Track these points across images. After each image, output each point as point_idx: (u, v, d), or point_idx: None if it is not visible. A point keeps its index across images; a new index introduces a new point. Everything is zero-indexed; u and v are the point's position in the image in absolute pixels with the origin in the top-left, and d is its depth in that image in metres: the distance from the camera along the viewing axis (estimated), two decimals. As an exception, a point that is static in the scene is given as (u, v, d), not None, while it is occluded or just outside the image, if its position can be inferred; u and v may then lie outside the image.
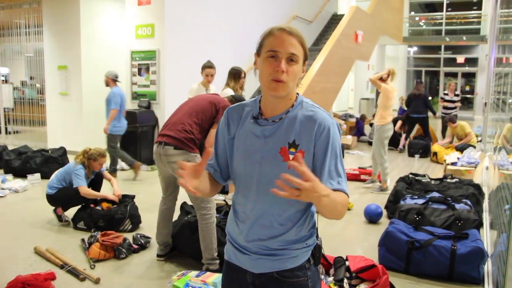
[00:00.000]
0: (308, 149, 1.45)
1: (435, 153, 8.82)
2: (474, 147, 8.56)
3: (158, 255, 3.82)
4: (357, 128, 11.86)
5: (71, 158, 5.68)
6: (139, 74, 8.24)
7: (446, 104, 11.30)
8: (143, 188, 6.34)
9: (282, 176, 1.21)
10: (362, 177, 6.93)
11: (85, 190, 4.56)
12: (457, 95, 11.48)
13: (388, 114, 6.21)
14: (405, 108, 12.34)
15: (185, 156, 3.40)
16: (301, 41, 1.47)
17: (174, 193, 3.77)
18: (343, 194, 1.44)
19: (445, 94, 11.63)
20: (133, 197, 4.83)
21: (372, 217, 4.95)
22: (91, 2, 8.81)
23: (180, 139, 3.41)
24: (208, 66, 5.58)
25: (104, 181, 4.98)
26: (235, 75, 5.57)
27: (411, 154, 9.39)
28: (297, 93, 1.55)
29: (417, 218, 4.14)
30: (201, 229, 3.47)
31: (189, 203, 4.08)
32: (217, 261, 3.48)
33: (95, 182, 4.87)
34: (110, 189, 4.89)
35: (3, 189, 5.99)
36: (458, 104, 11.55)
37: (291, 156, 1.45)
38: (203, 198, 3.43)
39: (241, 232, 1.53)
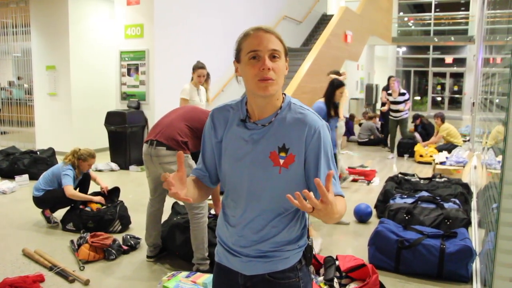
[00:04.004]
0: (299, 153, 1.44)
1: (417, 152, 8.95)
2: (457, 146, 8.63)
3: (148, 256, 3.80)
4: (347, 128, 11.90)
5: (60, 159, 5.63)
6: (129, 74, 8.19)
7: (391, 106, 9.25)
8: (133, 188, 6.31)
9: (304, 193, 1.13)
10: (352, 176, 6.96)
11: (71, 191, 4.50)
12: (403, 94, 9.10)
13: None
14: None
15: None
16: (279, 37, 1.44)
17: (162, 194, 3.75)
18: (342, 199, 1.41)
19: (388, 94, 9.34)
20: (117, 190, 4.86)
21: (361, 217, 4.97)
22: (79, 1, 8.74)
23: (173, 139, 3.40)
24: (200, 67, 5.58)
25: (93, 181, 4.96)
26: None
27: (400, 154, 9.45)
28: (284, 93, 1.52)
29: (407, 218, 4.17)
30: (193, 229, 3.46)
31: (181, 203, 4.08)
32: (208, 261, 3.48)
33: (83, 182, 4.83)
34: (96, 187, 4.87)
35: (-10, 190, 5.93)
36: (402, 107, 9.08)
37: (281, 161, 1.43)
38: None
39: (232, 235, 1.52)
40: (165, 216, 3.97)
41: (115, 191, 4.91)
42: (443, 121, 9.45)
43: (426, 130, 10.50)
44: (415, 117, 11.05)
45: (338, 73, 6.87)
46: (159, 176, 3.53)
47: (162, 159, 3.40)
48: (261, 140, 1.46)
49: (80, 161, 4.62)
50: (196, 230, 3.46)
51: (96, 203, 4.64)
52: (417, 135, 10.32)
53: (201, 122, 3.53)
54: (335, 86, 4.65)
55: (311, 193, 1.14)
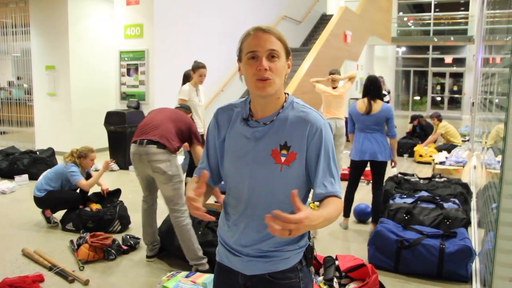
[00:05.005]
0: (300, 150, 1.44)
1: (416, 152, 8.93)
2: (456, 146, 8.63)
3: (147, 256, 3.80)
4: (346, 128, 11.88)
5: (59, 159, 5.63)
6: (128, 74, 8.19)
7: None
8: (132, 188, 6.30)
9: (274, 213, 1.16)
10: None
11: (85, 183, 4.53)
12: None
13: (326, 112, 6.80)
14: None
15: (166, 156, 3.42)
16: (279, 36, 1.44)
17: (154, 192, 3.78)
18: (336, 199, 1.43)
19: None
20: (118, 191, 4.87)
21: (361, 217, 4.97)
22: (79, 1, 8.74)
23: (165, 138, 3.44)
24: (203, 66, 5.55)
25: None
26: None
27: (399, 154, 9.45)
28: (287, 93, 1.53)
29: (406, 217, 4.16)
30: (178, 232, 3.49)
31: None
32: (205, 261, 3.48)
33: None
34: (96, 188, 4.87)
35: (-10, 190, 5.93)
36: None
37: (283, 158, 1.44)
38: (177, 200, 3.47)
39: (233, 235, 1.52)
40: (164, 215, 3.96)
41: (116, 192, 4.91)
42: (440, 120, 9.46)
43: (425, 131, 10.46)
44: (413, 118, 11.00)
45: (334, 73, 6.87)
46: (148, 174, 3.54)
47: (152, 157, 3.41)
48: (263, 138, 1.47)
49: (82, 158, 4.61)
50: (181, 233, 3.47)
51: (97, 203, 4.65)
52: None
53: (185, 123, 3.62)
54: (380, 82, 4.58)
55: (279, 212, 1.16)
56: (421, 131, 10.55)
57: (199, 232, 3.62)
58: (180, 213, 3.47)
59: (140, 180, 3.70)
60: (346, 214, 4.73)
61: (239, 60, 1.49)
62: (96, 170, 7.13)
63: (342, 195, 1.49)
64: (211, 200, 5.42)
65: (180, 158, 7.45)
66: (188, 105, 4.37)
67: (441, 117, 9.52)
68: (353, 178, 4.73)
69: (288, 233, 1.17)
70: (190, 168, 5.63)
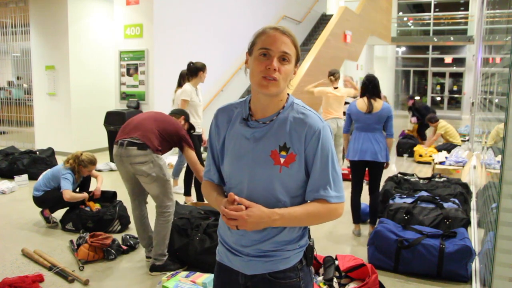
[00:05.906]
0: (299, 152, 1.45)
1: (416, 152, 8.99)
2: (456, 146, 8.64)
3: (147, 256, 3.80)
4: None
5: (59, 159, 5.63)
6: (128, 74, 8.19)
7: None
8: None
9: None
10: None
11: (69, 194, 4.45)
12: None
13: (326, 112, 6.79)
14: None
15: (148, 157, 3.34)
16: (294, 41, 1.46)
17: (141, 195, 3.69)
18: (323, 204, 1.45)
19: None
20: (114, 194, 4.85)
21: (361, 217, 4.96)
22: (79, 1, 8.74)
23: (146, 137, 3.37)
24: (205, 65, 5.54)
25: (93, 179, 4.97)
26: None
27: (399, 154, 9.45)
28: (288, 94, 1.54)
29: (406, 217, 4.16)
30: (159, 225, 3.50)
31: (181, 202, 4.07)
32: (165, 258, 3.52)
33: (83, 183, 4.84)
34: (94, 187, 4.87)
35: (-11, 190, 5.92)
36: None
37: (282, 160, 1.44)
38: (163, 198, 3.46)
39: (233, 235, 1.52)
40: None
41: (113, 195, 4.88)
42: (433, 122, 9.46)
43: (419, 112, 10.50)
44: (410, 97, 11.09)
45: (335, 74, 6.85)
46: (132, 176, 3.49)
47: (133, 159, 3.34)
48: (263, 138, 1.47)
49: (81, 166, 4.63)
50: (161, 226, 3.49)
51: (96, 202, 4.65)
52: (413, 119, 10.56)
53: (173, 126, 3.58)
54: (378, 81, 4.49)
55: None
56: (416, 112, 10.58)
57: (197, 238, 3.58)
58: (167, 209, 3.49)
59: (125, 183, 3.61)
60: (356, 220, 4.63)
61: (250, 53, 1.49)
62: (96, 170, 7.14)
63: (341, 200, 1.49)
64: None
65: (174, 157, 7.46)
66: (182, 109, 4.28)
67: (435, 118, 9.48)
68: (355, 181, 4.62)
69: (235, 227, 1.40)
70: (189, 168, 5.62)
